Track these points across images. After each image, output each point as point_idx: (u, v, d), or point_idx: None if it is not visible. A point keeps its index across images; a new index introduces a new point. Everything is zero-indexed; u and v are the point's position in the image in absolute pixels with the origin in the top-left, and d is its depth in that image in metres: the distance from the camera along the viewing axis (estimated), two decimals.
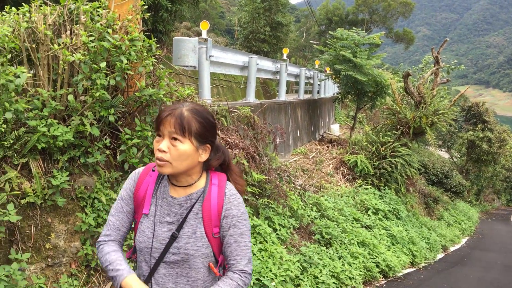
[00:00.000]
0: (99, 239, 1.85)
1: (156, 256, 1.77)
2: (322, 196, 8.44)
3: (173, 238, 1.75)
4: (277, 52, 22.18)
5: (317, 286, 5.41)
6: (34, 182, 3.31)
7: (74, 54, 3.49)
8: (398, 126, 12.33)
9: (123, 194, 1.87)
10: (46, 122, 3.38)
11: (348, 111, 24.46)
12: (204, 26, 7.49)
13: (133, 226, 1.90)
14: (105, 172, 3.87)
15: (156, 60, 4.27)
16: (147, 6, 4.18)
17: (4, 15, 3.73)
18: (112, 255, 1.77)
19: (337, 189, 9.64)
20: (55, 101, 3.53)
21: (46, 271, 3.32)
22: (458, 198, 18.67)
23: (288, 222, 6.21)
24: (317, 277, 5.52)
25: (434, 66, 13.80)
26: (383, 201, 10.06)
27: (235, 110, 6.52)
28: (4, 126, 3.18)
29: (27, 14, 3.73)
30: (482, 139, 23.07)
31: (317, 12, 44.05)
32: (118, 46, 3.72)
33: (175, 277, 1.77)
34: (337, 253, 6.47)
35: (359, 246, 7.15)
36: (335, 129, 16.14)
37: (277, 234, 5.79)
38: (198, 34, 17.12)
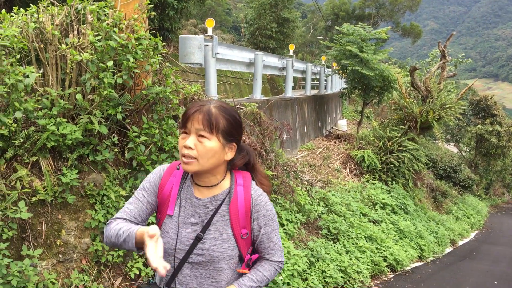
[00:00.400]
0: (108, 221, 1.79)
1: (180, 257, 1.74)
2: (329, 191, 8.46)
3: (198, 239, 1.72)
4: (283, 48, 22.13)
5: (324, 281, 5.45)
6: (45, 180, 3.37)
7: (81, 54, 3.54)
8: (405, 121, 12.28)
9: (146, 185, 1.82)
10: (55, 121, 3.44)
11: (355, 106, 24.39)
12: (210, 23, 7.52)
13: (151, 221, 1.88)
14: (113, 169, 3.93)
15: (162, 58, 4.31)
16: (153, 5, 4.22)
17: (13, 16, 3.79)
18: (121, 224, 1.71)
19: (345, 184, 9.65)
20: (63, 100, 3.59)
21: (57, 267, 3.38)
22: (467, 192, 18.57)
23: (296, 217, 6.25)
24: (325, 272, 5.56)
25: (440, 60, 13.72)
26: (391, 196, 10.06)
27: (241, 107, 6.56)
28: (15, 125, 3.24)
29: (35, 15, 3.78)
30: (490, 132, 22.89)
31: (323, 7, 43.86)
32: (125, 45, 3.77)
33: (199, 277, 1.75)
34: (344, 248, 6.50)
35: (366, 241, 7.17)
36: (342, 125, 16.12)
37: (285, 229, 5.82)
38: (205, 31, 17.13)
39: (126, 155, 4.00)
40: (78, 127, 3.54)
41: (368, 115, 20.81)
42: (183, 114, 1.70)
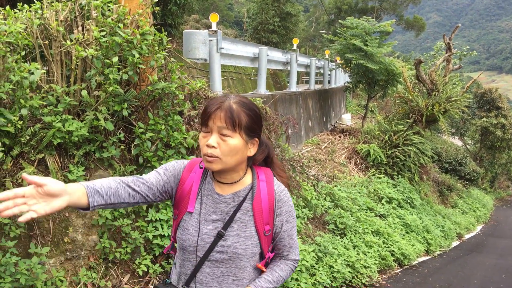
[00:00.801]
0: None
1: (200, 255, 1.70)
2: (335, 186, 8.42)
3: (219, 236, 1.68)
4: (286, 43, 22.05)
5: (332, 275, 5.42)
6: (51, 177, 3.35)
7: (86, 50, 3.51)
8: (411, 114, 12.21)
9: (168, 167, 1.76)
10: (61, 117, 3.42)
11: (360, 101, 24.29)
12: (214, 18, 7.48)
13: (159, 205, 1.81)
14: (120, 166, 3.91)
15: (167, 54, 4.28)
16: (156, 0, 4.18)
17: (17, 13, 3.76)
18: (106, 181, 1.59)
19: (350, 179, 9.62)
20: (69, 96, 3.57)
21: (65, 264, 3.37)
22: (472, 185, 18.50)
23: (302, 212, 6.22)
24: (332, 267, 5.53)
25: (446, 53, 13.62)
26: (397, 190, 10.02)
27: None
28: (20, 122, 3.22)
29: (39, 11, 3.76)
30: (495, 125, 22.78)
31: (326, 1, 43.65)
32: (130, 41, 3.74)
33: (220, 276, 1.71)
34: (351, 243, 6.47)
35: (373, 235, 7.14)
36: (347, 119, 16.06)
37: None
38: (207, 26, 17.09)
39: (132, 151, 3.98)
40: (84, 123, 3.51)
41: (372, 109, 20.74)
42: (202, 112, 1.65)
